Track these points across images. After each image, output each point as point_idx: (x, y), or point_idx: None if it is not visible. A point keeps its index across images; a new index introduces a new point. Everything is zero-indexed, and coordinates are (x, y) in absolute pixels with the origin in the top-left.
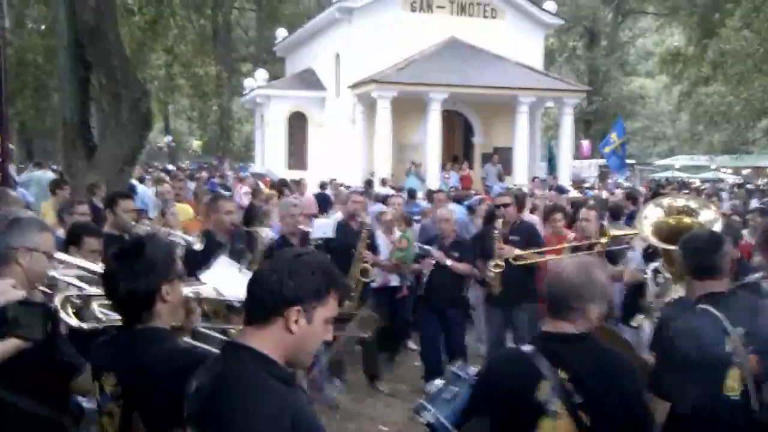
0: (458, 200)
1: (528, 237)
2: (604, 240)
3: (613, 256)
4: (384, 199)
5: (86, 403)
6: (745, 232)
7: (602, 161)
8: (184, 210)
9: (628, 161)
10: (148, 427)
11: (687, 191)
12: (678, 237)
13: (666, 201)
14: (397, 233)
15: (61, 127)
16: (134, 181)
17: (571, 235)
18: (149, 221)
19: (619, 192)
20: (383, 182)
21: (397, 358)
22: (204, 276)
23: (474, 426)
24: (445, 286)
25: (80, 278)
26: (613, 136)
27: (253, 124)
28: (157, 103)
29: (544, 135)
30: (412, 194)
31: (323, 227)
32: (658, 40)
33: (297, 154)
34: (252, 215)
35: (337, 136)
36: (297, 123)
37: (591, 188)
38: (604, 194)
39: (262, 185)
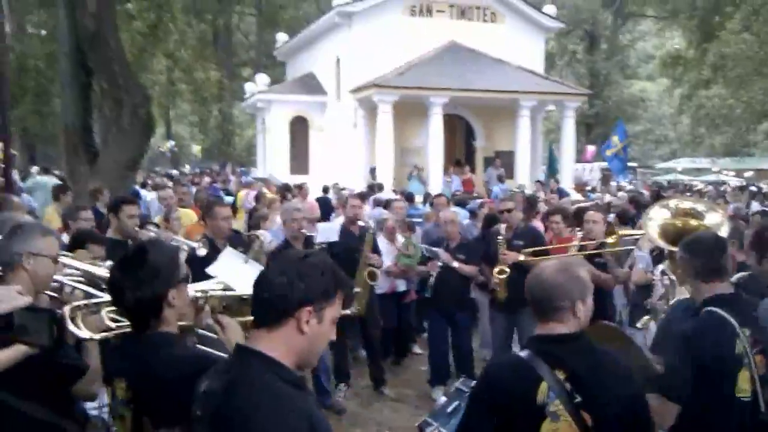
0: (461, 204)
1: (532, 241)
2: (611, 240)
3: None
4: (386, 204)
5: (93, 410)
6: (748, 233)
7: (604, 164)
8: (188, 215)
9: (630, 164)
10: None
11: (690, 194)
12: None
13: (673, 202)
14: (400, 238)
15: (63, 132)
16: (136, 187)
17: (579, 234)
18: (155, 227)
19: (621, 195)
20: (375, 180)
21: (402, 362)
22: (211, 269)
23: None
24: (452, 289)
25: (87, 282)
26: (615, 139)
27: (255, 128)
28: (159, 108)
29: (545, 138)
30: (409, 198)
31: (328, 232)
32: (659, 44)
33: (299, 159)
34: (253, 221)
35: (338, 141)
36: (298, 127)
37: (593, 191)
38: (607, 197)
39: (265, 190)
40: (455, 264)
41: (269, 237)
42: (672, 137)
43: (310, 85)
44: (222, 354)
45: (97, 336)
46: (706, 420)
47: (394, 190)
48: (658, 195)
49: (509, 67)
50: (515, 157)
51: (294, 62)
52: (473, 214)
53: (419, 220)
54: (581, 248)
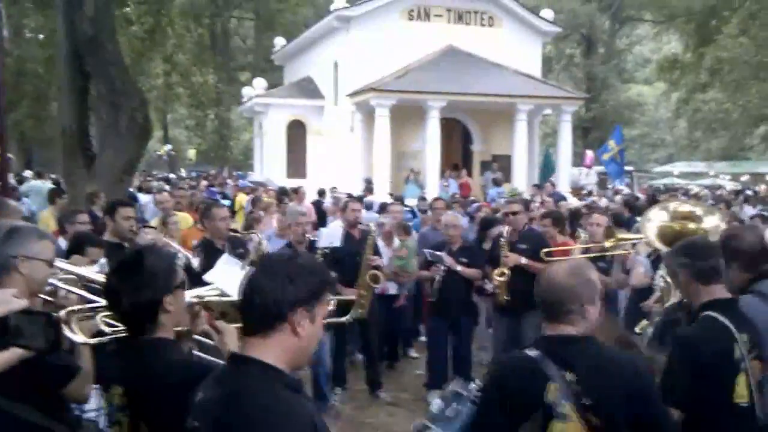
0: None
1: (536, 245)
2: (608, 243)
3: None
4: (382, 208)
5: (86, 414)
6: None
7: (601, 168)
8: (184, 218)
9: (627, 168)
10: None
11: (686, 197)
12: None
13: (672, 205)
14: (397, 242)
15: (60, 136)
16: (131, 190)
17: (583, 236)
18: (153, 230)
19: (618, 199)
20: (372, 192)
21: (398, 366)
22: (208, 276)
23: None
24: (456, 293)
25: (84, 287)
26: (612, 143)
27: (252, 132)
28: (156, 112)
29: (542, 143)
30: (400, 201)
31: (330, 236)
32: (656, 48)
33: (296, 163)
34: (246, 222)
35: (336, 145)
36: (296, 131)
37: (590, 195)
38: (604, 201)
39: (262, 194)
40: (458, 268)
41: (258, 238)
42: (669, 141)
43: (307, 89)
44: (220, 361)
45: (92, 340)
46: (706, 426)
47: (390, 194)
48: (653, 199)
49: (506, 71)
50: (512, 161)
51: (292, 66)
52: (472, 217)
53: (411, 223)
54: (584, 251)
